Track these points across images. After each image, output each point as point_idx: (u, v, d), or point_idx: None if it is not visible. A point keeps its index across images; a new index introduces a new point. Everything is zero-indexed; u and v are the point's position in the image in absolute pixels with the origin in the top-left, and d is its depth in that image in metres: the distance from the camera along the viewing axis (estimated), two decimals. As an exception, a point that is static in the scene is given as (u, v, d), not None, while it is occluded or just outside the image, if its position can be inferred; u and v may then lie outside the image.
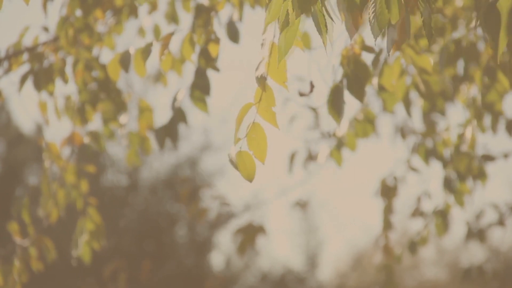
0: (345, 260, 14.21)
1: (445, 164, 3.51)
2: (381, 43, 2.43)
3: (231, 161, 1.72)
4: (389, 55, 1.64)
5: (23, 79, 3.06)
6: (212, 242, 11.48)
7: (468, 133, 3.18)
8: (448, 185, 3.45)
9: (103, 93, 3.12)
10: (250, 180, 1.73)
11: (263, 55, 1.75)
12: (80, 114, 3.15)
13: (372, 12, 1.56)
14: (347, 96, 2.20)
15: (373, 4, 1.56)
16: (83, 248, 3.35)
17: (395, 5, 1.54)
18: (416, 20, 2.70)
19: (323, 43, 1.62)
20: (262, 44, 1.74)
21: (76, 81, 3.09)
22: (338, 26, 1.68)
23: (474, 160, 3.44)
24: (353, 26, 1.75)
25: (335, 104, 2.16)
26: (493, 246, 11.76)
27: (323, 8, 1.60)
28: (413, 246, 4.11)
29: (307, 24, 2.86)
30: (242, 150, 1.73)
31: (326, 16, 1.61)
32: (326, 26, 1.61)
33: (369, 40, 2.33)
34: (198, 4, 2.71)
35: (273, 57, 1.73)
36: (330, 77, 2.26)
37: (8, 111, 11.64)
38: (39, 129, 11.04)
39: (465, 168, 3.37)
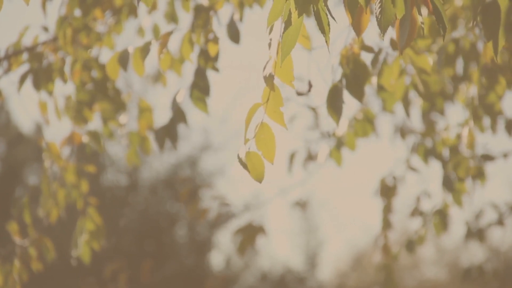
0: (345, 260, 14.22)
1: (444, 163, 3.51)
2: (381, 42, 2.43)
3: (241, 162, 1.72)
4: (401, 52, 1.64)
5: (22, 79, 3.06)
6: (212, 242, 11.48)
7: (468, 133, 3.18)
8: (447, 184, 3.45)
9: (101, 93, 3.12)
10: (260, 181, 1.73)
11: (270, 55, 1.75)
12: (78, 113, 3.15)
13: (379, 7, 1.56)
14: (347, 95, 2.20)
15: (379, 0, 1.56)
16: (83, 248, 3.35)
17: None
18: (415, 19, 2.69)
19: (326, 42, 1.62)
20: (269, 44, 1.74)
21: (73, 81, 3.09)
22: (338, 25, 1.68)
23: (474, 160, 3.44)
24: (360, 24, 1.75)
25: (334, 104, 2.16)
26: (493, 246, 11.76)
27: (326, 7, 1.60)
28: (410, 245, 4.11)
29: (306, 24, 2.86)
30: (251, 151, 1.73)
31: (329, 15, 1.61)
32: (329, 25, 1.61)
33: (369, 40, 2.33)
34: (197, 4, 2.72)
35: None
36: (330, 77, 2.26)
37: (8, 111, 11.64)
38: (39, 129, 11.04)
39: (464, 168, 3.37)
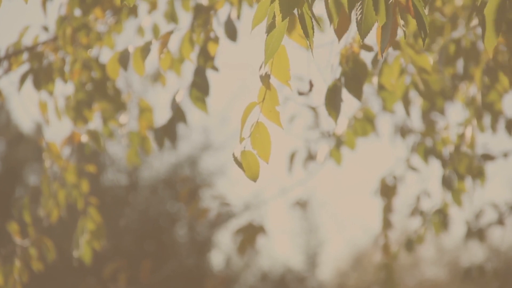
0: (345, 259, 14.22)
1: (444, 163, 3.51)
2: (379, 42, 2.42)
3: (236, 161, 1.72)
4: (382, 56, 1.64)
5: (22, 79, 3.06)
6: (212, 241, 11.48)
7: (468, 133, 3.18)
8: (446, 184, 3.45)
9: (100, 93, 3.12)
10: (255, 180, 1.73)
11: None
12: (78, 113, 3.15)
13: (360, 14, 1.56)
14: (346, 94, 2.21)
15: (360, 6, 1.56)
16: (83, 248, 3.36)
17: (382, 6, 1.55)
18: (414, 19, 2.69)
19: (310, 45, 1.63)
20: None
21: (73, 81, 3.09)
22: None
23: (474, 160, 3.44)
24: (341, 28, 1.75)
25: (333, 102, 2.16)
26: (493, 245, 11.76)
27: (310, 11, 1.61)
28: (410, 244, 4.12)
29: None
30: (246, 150, 1.73)
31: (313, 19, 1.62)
32: (313, 28, 1.61)
33: (369, 39, 2.33)
34: (197, 4, 2.72)
35: (277, 56, 1.73)
36: (330, 76, 2.26)
37: (8, 111, 11.64)
38: (39, 129, 11.04)
39: (465, 168, 3.37)
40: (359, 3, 1.56)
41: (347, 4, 1.55)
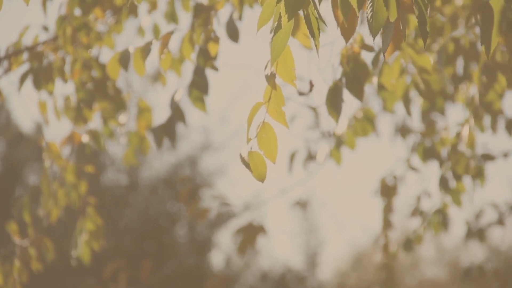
0: (345, 259, 14.22)
1: (441, 163, 3.50)
2: (380, 42, 2.42)
3: (243, 161, 1.72)
4: (384, 56, 1.64)
5: (22, 78, 3.06)
6: (212, 241, 11.48)
7: (465, 132, 3.18)
8: (444, 184, 3.45)
9: (100, 93, 3.12)
10: (262, 180, 1.73)
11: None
12: (78, 113, 3.15)
13: (370, 11, 1.56)
14: (347, 95, 2.20)
15: (371, 3, 1.56)
16: (82, 248, 3.35)
17: (393, 3, 1.54)
18: (415, 19, 2.69)
19: (316, 46, 1.62)
20: (270, 43, 1.74)
21: (73, 80, 3.09)
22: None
23: (473, 160, 3.44)
24: (349, 29, 1.75)
25: (334, 103, 2.16)
26: (493, 245, 11.76)
27: (316, 11, 1.61)
28: (408, 244, 4.12)
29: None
30: (253, 150, 1.72)
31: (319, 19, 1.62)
32: (319, 29, 1.61)
33: (369, 39, 2.33)
34: (197, 3, 2.72)
35: (282, 56, 1.73)
36: (330, 77, 2.26)
37: (8, 111, 11.64)
38: (39, 129, 11.04)
39: (462, 168, 3.37)
40: (369, 1, 1.55)
41: (356, 2, 1.55)
